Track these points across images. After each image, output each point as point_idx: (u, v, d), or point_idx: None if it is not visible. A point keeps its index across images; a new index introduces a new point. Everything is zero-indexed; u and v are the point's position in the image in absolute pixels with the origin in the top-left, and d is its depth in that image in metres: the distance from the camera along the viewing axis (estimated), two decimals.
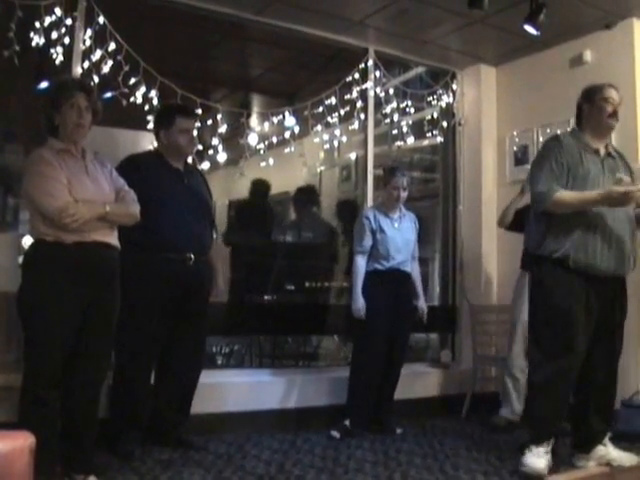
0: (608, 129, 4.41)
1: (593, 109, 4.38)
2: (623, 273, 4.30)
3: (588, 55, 6.11)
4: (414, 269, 5.56)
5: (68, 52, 5.05)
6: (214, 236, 4.96)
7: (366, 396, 5.24)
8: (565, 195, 4.15)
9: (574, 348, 4.14)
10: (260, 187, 7.25)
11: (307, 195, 7.51)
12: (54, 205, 3.53)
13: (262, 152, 6.08)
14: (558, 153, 4.26)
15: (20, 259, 4.09)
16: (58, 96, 3.73)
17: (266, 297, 6.93)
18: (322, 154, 6.80)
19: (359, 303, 5.21)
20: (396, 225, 5.40)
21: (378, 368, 5.24)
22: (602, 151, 4.37)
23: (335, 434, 5.10)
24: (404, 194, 5.38)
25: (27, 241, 4.93)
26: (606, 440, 4.35)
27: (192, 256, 4.49)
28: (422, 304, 5.54)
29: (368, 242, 5.30)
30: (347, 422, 5.19)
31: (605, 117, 4.34)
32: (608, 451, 4.32)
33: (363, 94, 6.47)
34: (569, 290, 4.16)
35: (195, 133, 5.47)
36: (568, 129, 5.99)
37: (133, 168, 4.31)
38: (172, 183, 4.55)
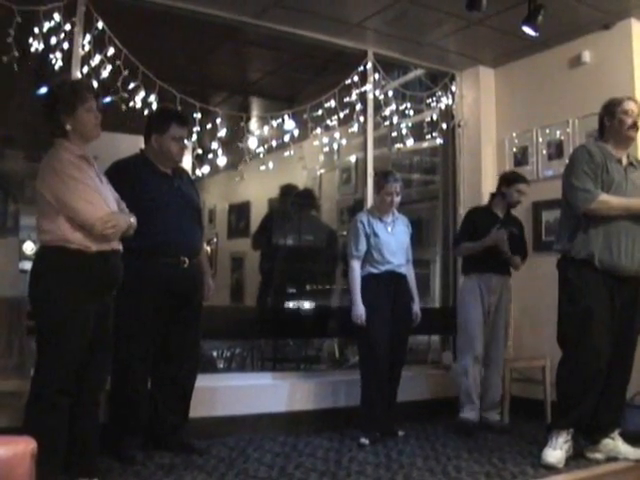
0: (629, 140, 4.58)
1: (614, 121, 4.55)
2: None
3: (587, 56, 6.12)
4: (409, 273, 5.54)
5: (67, 57, 5.05)
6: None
7: (379, 399, 5.21)
8: (610, 199, 4.35)
9: (597, 346, 4.31)
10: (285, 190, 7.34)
11: (306, 198, 7.51)
12: (96, 215, 3.51)
13: (262, 156, 6.09)
14: (588, 159, 4.45)
15: (21, 264, 4.06)
16: (73, 100, 3.67)
17: (267, 301, 6.95)
18: (322, 157, 6.80)
19: (359, 309, 5.17)
20: (389, 229, 5.39)
21: (385, 370, 5.22)
22: (624, 161, 4.55)
23: (364, 441, 5.05)
24: (397, 199, 5.37)
25: (28, 247, 4.94)
26: (615, 434, 4.52)
27: (186, 259, 4.50)
28: (416, 308, 5.50)
29: (363, 247, 5.27)
30: (368, 427, 5.15)
31: (625, 129, 4.50)
32: (616, 444, 4.50)
33: (362, 97, 6.47)
34: (594, 290, 4.35)
35: (194, 138, 5.51)
36: (568, 130, 6.06)
37: (122, 174, 4.28)
38: (162, 187, 4.53)
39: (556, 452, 4.34)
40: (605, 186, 4.39)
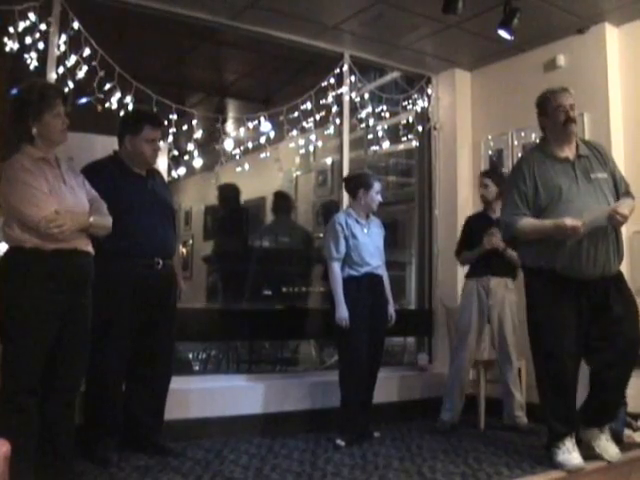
0: (568, 135, 4.48)
1: (549, 121, 4.51)
2: (611, 273, 4.40)
3: (561, 59, 6.17)
4: (384, 274, 5.54)
5: (43, 57, 5.02)
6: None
7: (357, 401, 5.21)
8: (524, 225, 4.36)
9: (565, 350, 4.30)
10: (231, 192, 7.24)
11: (282, 200, 7.49)
12: (40, 215, 3.52)
13: (238, 157, 6.07)
14: (522, 180, 4.43)
15: None
16: (41, 105, 3.69)
17: (243, 302, 6.93)
18: (298, 159, 6.81)
19: (343, 312, 5.13)
20: (365, 231, 5.38)
21: (364, 372, 5.22)
22: (571, 156, 4.46)
23: (340, 442, 5.04)
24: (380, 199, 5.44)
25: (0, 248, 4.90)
26: (605, 429, 4.51)
27: (160, 261, 4.51)
28: (391, 310, 5.50)
29: (343, 248, 5.25)
30: (346, 429, 5.15)
31: (561, 126, 4.44)
32: (604, 442, 4.48)
33: (338, 99, 6.48)
34: (559, 297, 4.32)
35: (170, 139, 5.49)
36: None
37: (96, 175, 4.24)
38: (135, 188, 4.54)
39: (574, 455, 4.28)
40: (550, 195, 4.34)
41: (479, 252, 5.67)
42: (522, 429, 5.51)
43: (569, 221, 4.11)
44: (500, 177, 5.85)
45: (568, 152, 4.47)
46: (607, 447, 4.46)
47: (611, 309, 4.39)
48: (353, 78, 6.57)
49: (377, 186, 5.39)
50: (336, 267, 5.25)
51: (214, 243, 7.96)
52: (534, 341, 4.50)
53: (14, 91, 4.47)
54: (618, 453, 4.47)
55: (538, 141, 4.81)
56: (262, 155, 6.19)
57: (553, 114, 4.45)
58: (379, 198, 5.41)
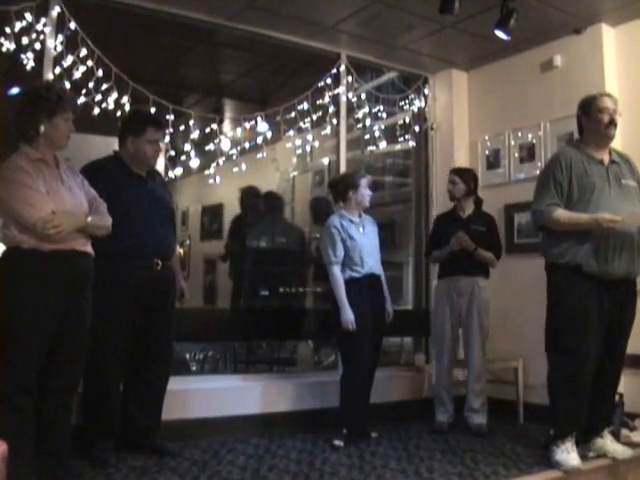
0: (608, 139, 4.50)
1: (590, 121, 4.50)
2: (634, 276, 4.46)
3: (558, 60, 6.17)
4: (380, 272, 5.54)
5: (39, 58, 5.01)
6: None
7: (361, 402, 5.24)
8: (560, 217, 4.32)
9: (588, 348, 4.29)
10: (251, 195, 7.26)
11: (272, 200, 7.47)
12: (36, 216, 3.53)
13: (234, 157, 6.06)
14: (559, 170, 4.41)
15: None
16: (57, 105, 3.71)
17: (240, 302, 6.92)
18: (295, 159, 6.80)
19: (349, 315, 5.11)
20: (361, 230, 5.38)
21: (367, 373, 5.24)
22: (606, 160, 4.49)
23: (339, 443, 5.04)
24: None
25: None
26: (605, 433, 4.55)
27: (159, 261, 4.51)
28: (389, 306, 5.51)
29: (341, 252, 5.24)
30: (345, 430, 5.13)
31: (603, 128, 4.44)
32: (605, 442, 4.52)
33: (335, 99, 6.48)
34: (584, 294, 4.32)
35: (167, 139, 5.48)
36: (540, 133, 6.08)
37: (96, 175, 4.25)
38: (135, 189, 4.54)
39: (572, 455, 4.29)
40: (587, 191, 4.33)
41: (447, 252, 5.67)
42: (470, 430, 5.53)
43: (608, 216, 4.15)
44: (469, 175, 5.88)
45: (603, 155, 4.50)
46: (615, 448, 4.52)
47: (623, 314, 4.45)
48: (350, 78, 6.56)
49: (364, 182, 5.40)
50: (336, 271, 5.24)
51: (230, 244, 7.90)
52: (553, 338, 4.48)
53: (15, 90, 4.47)
54: (627, 449, 4.54)
55: (574, 140, 4.81)
56: (259, 155, 6.18)
57: (596, 115, 4.45)
58: (369, 192, 5.42)
